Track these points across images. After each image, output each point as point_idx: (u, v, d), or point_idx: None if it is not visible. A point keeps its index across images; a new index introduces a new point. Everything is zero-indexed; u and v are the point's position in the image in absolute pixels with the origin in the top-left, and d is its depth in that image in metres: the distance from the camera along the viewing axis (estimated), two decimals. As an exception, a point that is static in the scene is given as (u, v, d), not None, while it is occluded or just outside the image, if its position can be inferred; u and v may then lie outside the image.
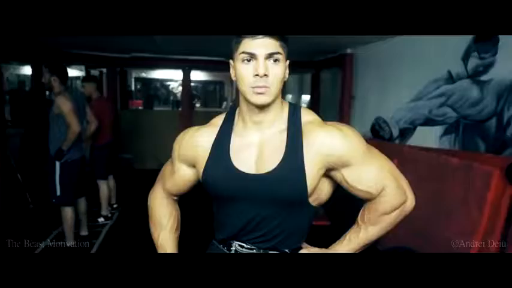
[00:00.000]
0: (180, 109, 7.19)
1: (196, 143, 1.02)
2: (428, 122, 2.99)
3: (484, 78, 2.44)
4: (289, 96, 7.71)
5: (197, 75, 10.62)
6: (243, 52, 0.89)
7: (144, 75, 11.05)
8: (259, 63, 0.87)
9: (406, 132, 3.28)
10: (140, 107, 9.96)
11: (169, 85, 11.63)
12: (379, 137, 3.69)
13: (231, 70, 0.96)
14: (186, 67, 5.78)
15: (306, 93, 6.92)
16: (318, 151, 0.91)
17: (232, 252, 1.02)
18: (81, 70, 7.09)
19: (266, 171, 0.92)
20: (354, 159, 0.92)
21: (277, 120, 0.96)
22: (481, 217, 2.08)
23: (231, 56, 0.95)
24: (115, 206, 4.01)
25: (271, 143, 0.94)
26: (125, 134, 5.72)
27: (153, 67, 8.93)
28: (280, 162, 0.92)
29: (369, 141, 0.98)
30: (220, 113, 1.10)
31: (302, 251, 1.03)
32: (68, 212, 2.86)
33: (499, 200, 2.04)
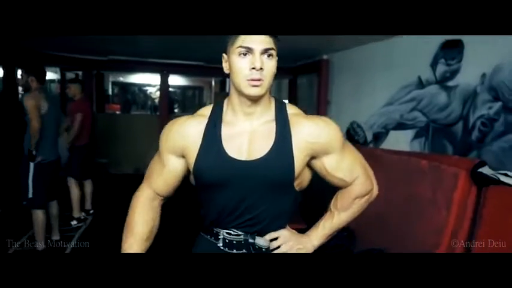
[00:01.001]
0: (158, 113, 7.12)
1: (185, 132, 1.04)
2: (400, 126, 3.09)
3: (450, 83, 2.55)
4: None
5: (176, 81, 10.53)
6: (240, 46, 0.93)
7: (121, 79, 10.86)
8: (256, 57, 0.93)
9: (379, 136, 3.38)
10: (118, 112, 9.79)
11: (147, 90, 11.49)
12: (354, 141, 3.77)
13: (224, 63, 1.00)
14: (164, 71, 5.74)
15: (283, 99, 6.98)
16: (305, 139, 1.00)
17: (220, 240, 1.05)
18: (56, 72, 6.91)
19: (257, 157, 0.98)
20: (334, 148, 1.02)
21: (265, 112, 1.02)
22: (449, 216, 2.16)
23: (224, 50, 0.99)
24: (91, 211, 3.89)
25: (261, 132, 1.01)
26: (100, 138, 5.61)
27: (130, 70, 8.81)
28: (270, 149, 0.98)
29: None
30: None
31: (282, 232, 1.07)
32: (39, 215, 2.79)
33: (465, 200, 2.12)
